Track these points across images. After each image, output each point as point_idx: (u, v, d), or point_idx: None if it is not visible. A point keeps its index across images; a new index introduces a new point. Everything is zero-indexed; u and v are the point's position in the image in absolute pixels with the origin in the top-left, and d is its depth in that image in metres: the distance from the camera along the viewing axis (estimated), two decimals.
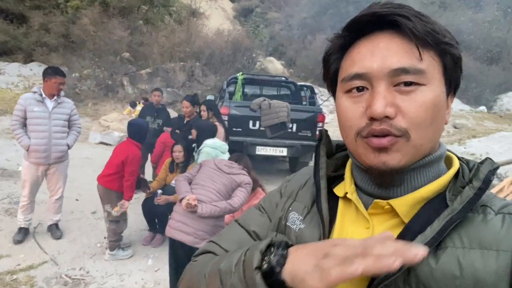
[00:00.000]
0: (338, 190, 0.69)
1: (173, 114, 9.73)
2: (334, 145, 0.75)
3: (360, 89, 0.59)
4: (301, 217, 0.70)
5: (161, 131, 5.33)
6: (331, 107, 15.49)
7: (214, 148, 3.56)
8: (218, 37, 15.42)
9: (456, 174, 0.62)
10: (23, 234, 3.89)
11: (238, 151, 3.78)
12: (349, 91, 0.61)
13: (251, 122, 6.27)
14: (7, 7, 15.83)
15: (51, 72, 3.75)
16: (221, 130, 4.38)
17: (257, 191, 3.28)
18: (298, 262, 0.50)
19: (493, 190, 5.01)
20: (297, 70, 17.50)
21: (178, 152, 4.05)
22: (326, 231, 0.64)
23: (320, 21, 19.41)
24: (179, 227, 2.70)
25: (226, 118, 5.87)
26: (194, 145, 4.13)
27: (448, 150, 0.68)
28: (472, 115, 13.92)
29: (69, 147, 3.96)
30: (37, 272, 3.34)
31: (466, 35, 19.59)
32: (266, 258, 0.53)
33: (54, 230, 4.06)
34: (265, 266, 0.52)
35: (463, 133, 11.16)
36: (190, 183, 2.95)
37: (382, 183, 0.62)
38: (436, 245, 0.54)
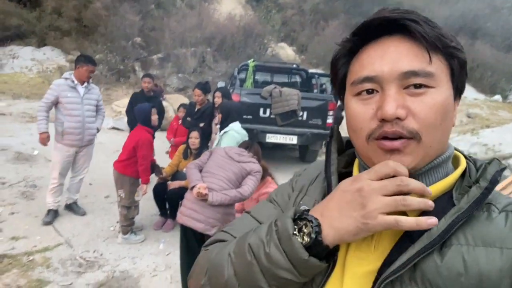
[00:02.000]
0: None
1: (184, 101, 9.79)
2: (344, 141, 0.77)
3: (370, 91, 0.61)
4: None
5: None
6: None
7: (239, 134, 3.61)
8: (230, 22, 15.28)
9: (463, 173, 0.63)
10: (52, 216, 4.04)
11: (248, 139, 3.82)
12: (358, 94, 0.62)
13: (261, 110, 6.28)
14: None
15: (83, 60, 3.98)
16: None
17: (266, 180, 3.32)
18: (338, 223, 0.56)
19: (499, 187, 4.96)
20: (309, 56, 17.30)
21: (195, 138, 4.13)
22: None
23: (333, 7, 19.06)
24: (190, 214, 2.76)
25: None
26: (217, 126, 4.08)
27: (456, 149, 0.69)
28: (486, 104, 13.67)
29: (98, 130, 4.26)
30: (53, 253, 3.46)
31: (483, 22, 19.08)
32: (298, 231, 0.57)
33: (76, 207, 4.29)
34: (306, 239, 0.56)
35: (476, 122, 11.00)
36: (201, 171, 3.00)
37: None
38: (441, 243, 0.56)
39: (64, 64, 13.84)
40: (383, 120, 0.57)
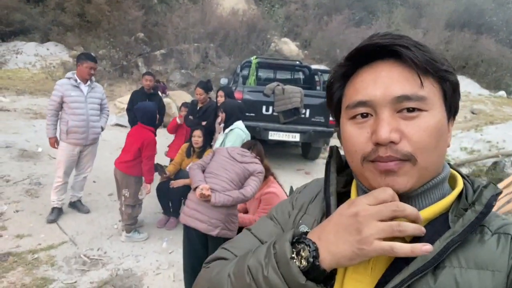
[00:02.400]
0: None
1: (187, 97, 9.79)
2: (344, 160, 0.77)
3: (364, 115, 0.62)
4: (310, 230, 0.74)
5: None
6: None
7: (244, 132, 3.63)
8: (233, 17, 15.22)
9: (460, 194, 0.64)
10: (57, 214, 4.09)
11: (251, 137, 3.84)
12: (353, 117, 0.63)
13: (264, 107, 6.28)
14: None
15: (83, 57, 4.02)
16: None
17: (269, 180, 3.32)
18: (335, 247, 0.56)
19: (501, 184, 4.96)
20: (312, 51, 17.22)
21: (198, 137, 4.15)
22: None
23: (337, 1, 18.93)
24: (193, 214, 2.78)
25: None
26: (222, 125, 4.11)
27: (454, 168, 0.70)
28: (490, 100, 13.57)
29: (102, 129, 4.29)
30: (57, 251, 3.50)
31: (488, 17, 18.90)
32: (296, 255, 0.58)
33: (80, 205, 4.34)
34: (303, 263, 0.56)
35: (480, 119, 10.94)
36: (203, 171, 3.01)
37: None
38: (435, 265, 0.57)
39: (68, 60, 13.87)
40: (378, 144, 0.58)
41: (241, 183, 2.90)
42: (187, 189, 3.99)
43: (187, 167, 4.13)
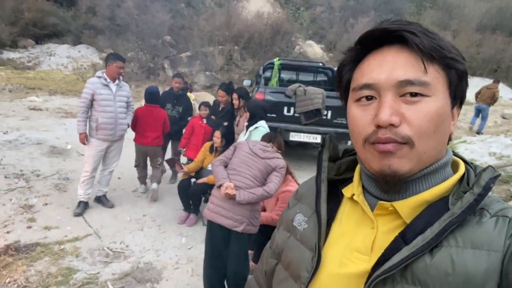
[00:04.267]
0: (347, 191, 0.75)
1: (210, 98, 9.92)
2: (341, 150, 0.80)
3: (369, 98, 0.64)
4: (305, 218, 0.77)
5: (181, 118, 5.42)
6: None
7: (267, 131, 3.69)
8: (258, 20, 15.32)
9: (462, 179, 0.65)
10: (83, 207, 4.26)
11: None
12: (358, 100, 0.65)
13: (285, 108, 6.30)
14: None
15: (112, 57, 4.22)
16: None
17: (287, 178, 3.34)
18: None
19: None
20: (337, 54, 17.06)
21: (217, 138, 4.24)
22: (322, 231, 0.70)
23: (364, 3, 18.73)
24: (218, 211, 2.81)
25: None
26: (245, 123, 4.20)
27: (457, 155, 0.71)
28: None
29: (128, 125, 4.49)
30: (82, 243, 3.65)
31: None
32: None
33: (105, 200, 4.51)
34: None
35: (511, 123, 10.54)
36: (225, 166, 3.05)
37: (389, 191, 0.66)
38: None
39: (98, 62, 14.36)
40: (379, 126, 0.60)
41: (264, 179, 2.91)
42: (206, 186, 4.08)
43: (209, 165, 4.21)
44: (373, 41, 0.65)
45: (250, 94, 5.04)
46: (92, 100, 4.09)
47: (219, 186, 2.83)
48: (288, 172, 3.38)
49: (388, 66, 0.61)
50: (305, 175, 6.07)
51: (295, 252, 0.75)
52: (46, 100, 10.22)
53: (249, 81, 7.69)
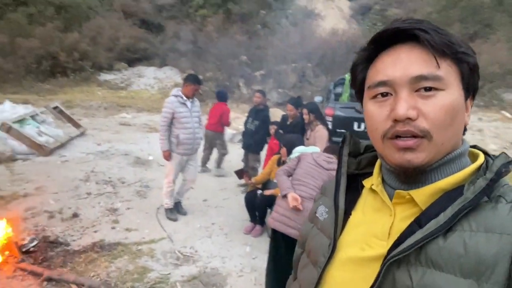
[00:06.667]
0: (367, 183, 0.78)
1: (279, 114, 10.08)
2: (363, 146, 0.83)
3: (384, 94, 0.67)
4: (327, 209, 0.82)
5: (256, 132, 5.71)
6: None
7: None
8: (332, 37, 15.33)
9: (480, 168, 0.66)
10: (174, 213, 4.63)
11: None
12: (374, 97, 0.69)
13: (356, 124, 6.19)
14: (149, 18, 18.42)
15: (192, 80, 4.53)
16: (324, 133, 4.46)
17: None
18: None
19: None
20: None
21: (283, 152, 4.34)
22: (339, 219, 0.75)
23: (447, 15, 17.66)
24: (283, 220, 2.87)
25: (330, 119, 5.91)
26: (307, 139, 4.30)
27: (479, 148, 0.72)
28: None
29: (201, 139, 4.82)
30: (157, 246, 3.94)
31: None
32: None
33: (180, 208, 4.82)
34: None
35: None
36: (289, 176, 3.11)
37: (407, 181, 0.69)
38: (447, 229, 0.60)
39: (180, 82, 15.43)
40: (396, 121, 0.63)
41: None
42: (273, 198, 4.16)
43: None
44: (386, 40, 0.68)
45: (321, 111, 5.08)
46: (172, 118, 4.37)
47: (284, 196, 2.89)
48: None
49: (402, 63, 0.64)
50: None
51: (316, 240, 0.80)
52: (134, 117, 11.29)
53: (321, 98, 7.70)
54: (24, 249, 3.49)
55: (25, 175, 5.51)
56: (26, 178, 5.40)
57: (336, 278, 0.71)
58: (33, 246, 3.56)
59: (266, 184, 4.54)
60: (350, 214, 0.76)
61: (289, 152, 3.86)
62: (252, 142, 5.69)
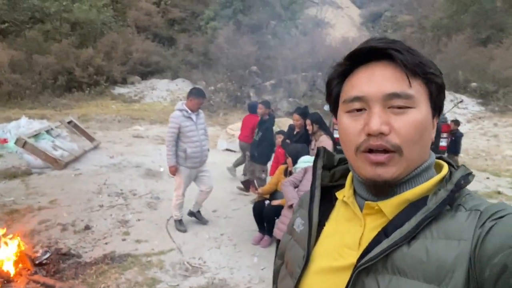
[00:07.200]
0: (339, 194, 0.81)
1: (287, 123, 10.10)
2: (337, 159, 0.86)
3: (359, 109, 0.70)
4: (303, 221, 0.84)
5: (259, 143, 5.80)
6: (468, 116, 13.82)
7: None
8: (342, 45, 15.34)
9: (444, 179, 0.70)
10: (183, 224, 4.67)
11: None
12: (349, 111, 0.72)
13: None
14: (161, 32, 18.82)
15: (196, 94, 4.47)
16: (328, 143, 4.47)
17: None
18: None
19: None
20: None
21: (289, 162, 4.36)
22: (312, 231, 0.78)
23: (459, 21, 17.53)
24: None
25: (337, 128, 5.90)
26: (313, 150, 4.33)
27: (444, 159, 0.76)
28: None
29: (208, 150, 4.78)
30: (166, 257, 3.99)
31: None
32: None
33: (200, 216, 4.88)
34: None
35: None
36: (296, 187, 3.12)
37: (377, 193, 0.72)
38: (412, 237, 0.64)
39: None
40: (369, 135, 0.67)
41: None
42: (280, 208, 4.18)
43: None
44: (362, 57, 0.71)
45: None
46: (178, 133, 4.40)
47: (290, 206, 2.91)
48: None
49: (376, 80, 0.68)
50: None
51: (292, 252, 0.83)
52: (147, 129, 11.48)
53: (328, 106, 7.69)
54: (37, 262, 3.58)
55: (40, 188, 5.67)
56: (41, 191, 5.55)
57: None
58: (46, 259, 3.65)
59: (273, 194, 4.56)
60: (324, 225, 0.79)
61: (294, 162, 3.88)
62: (256, 153, 5.74)
